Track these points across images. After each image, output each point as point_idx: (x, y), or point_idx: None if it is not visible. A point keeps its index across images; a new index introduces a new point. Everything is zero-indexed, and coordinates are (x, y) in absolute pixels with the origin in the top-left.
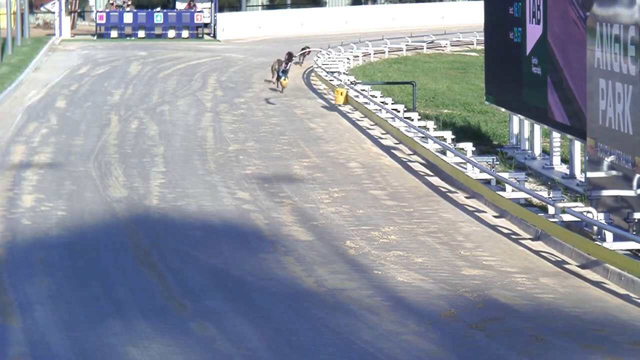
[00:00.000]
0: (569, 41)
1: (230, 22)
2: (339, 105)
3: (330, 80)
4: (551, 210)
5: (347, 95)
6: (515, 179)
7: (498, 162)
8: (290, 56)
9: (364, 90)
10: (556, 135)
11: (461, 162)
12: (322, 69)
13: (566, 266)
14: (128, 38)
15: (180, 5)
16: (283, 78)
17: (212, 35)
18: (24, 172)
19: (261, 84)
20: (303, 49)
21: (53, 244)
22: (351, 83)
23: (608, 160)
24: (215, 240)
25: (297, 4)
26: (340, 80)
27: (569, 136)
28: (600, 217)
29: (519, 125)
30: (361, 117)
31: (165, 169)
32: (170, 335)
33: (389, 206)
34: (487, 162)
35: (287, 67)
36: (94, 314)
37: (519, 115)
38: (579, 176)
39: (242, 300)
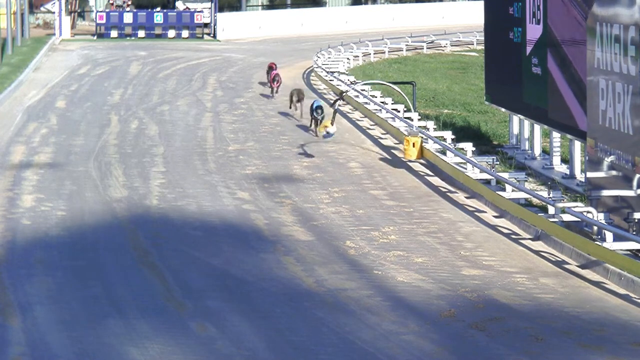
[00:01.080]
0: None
1: (230, 22)
2: (410, 160)
3: (330, 80)
4: (551, 210)
5: (422, 146)
6: (515, 179)
7: (498, 162)
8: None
9: (363, 90)
10: (556, 135)
11: (461, 162)
12: (322, 69)
13: (566, 266)
14: (128, 38)
15: (180, 6)
16: (325, 119)
17: (212, 35)
18: (24, 172)
19: (261, 84)
20: (338, 98)
21: (53, 244)
22: (351, 83)
23: (608, 160)
24: (215, 240)
25: (297, 4)
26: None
27: (569, 136)
28: (600, 217)
29: (519, 125)
30: (361, 117)
31: (165, 169)
32: (170, 335)
33: (389, 206)
34: (487, 162)
35: (326, 111)
36: (94, 314)
37: (519, 116)
38: (579, 176)
39: (242, 300)
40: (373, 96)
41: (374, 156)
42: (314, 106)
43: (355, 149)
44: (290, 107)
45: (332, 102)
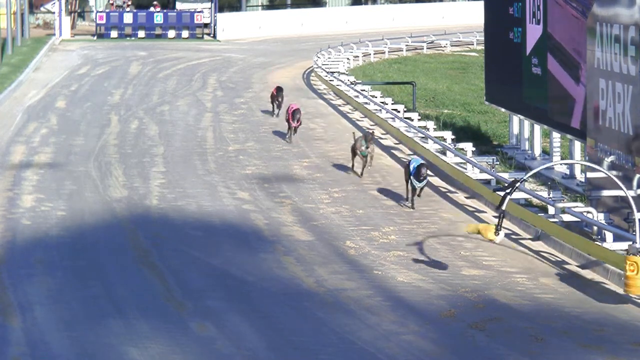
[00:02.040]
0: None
1: (230, 22)
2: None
3: (331, 80)
4: (551, 210)
5: None
6: (516, 179)
7: (498, 162)
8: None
9: (363, 90)
10: (556, 135)
11: (461, 162)
12: (322, 69)
13: (566, 266)
14: (128, 38)
15: (180, 6)
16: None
17: (212, 35)
18: (24, 172)
19: (261, 84)
20: (508, 191)
21: (53, 244)
22: (351, 83)
23: (608, 160)
24: (215, 240)
25: (297, 4)
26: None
27: (569, 136)
28: (600, 217)
29: (519, 126)
30: (361, 117)
31: (165, 169)
32: (170, 335)
33: (389, 206)
34: (487, 162)
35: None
36: (94, 314)
37: (519, 116)
38: (579, 176)
39: (242, 300)
40: (373, 96)
41: (374, 156)
42: (413, 167)
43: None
44: (353, 165)
45: (501, 197)
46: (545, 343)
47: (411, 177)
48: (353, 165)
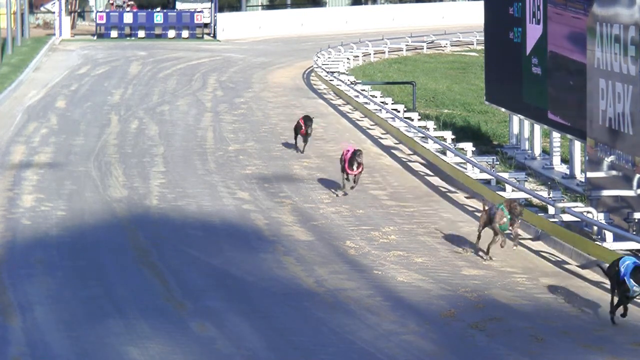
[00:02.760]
0: None
1: (230, 22)
2: None
3: (330, 80)
4: (551, 210)
5: None
6: (515, 179)
7: (498, 162)
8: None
9: (364, 90)
10: (556, 135)
11: (461, 162)
12: (322, 69)
13: (566, 266)
14: (128, 38)
15: (180, 6)
16: None
17: (212, 35)
18: (24, 172)
19: (261, 84)
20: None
21: (53, 244)
22: (351, 83)
23: (608, 160)
24: (215, 240)
25: (297, 4)
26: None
27: (569, 136)
28: (600, 217)
29: (519, 125)
30: (361, 117)
31: (165, 169)
32: (170, 335)
33: (389, 206)
34: (487, 162)
35: None
36: (94, 314)
37: (519, 115)
38: (579, 176)
39: (242, 300)
40: (373, 96)
41: (374, 156)
42: (627, 267)
43: None
44: (479, 238)
45: None
46: (545, 343)
47: (625, 283)
48: (479, 237)
